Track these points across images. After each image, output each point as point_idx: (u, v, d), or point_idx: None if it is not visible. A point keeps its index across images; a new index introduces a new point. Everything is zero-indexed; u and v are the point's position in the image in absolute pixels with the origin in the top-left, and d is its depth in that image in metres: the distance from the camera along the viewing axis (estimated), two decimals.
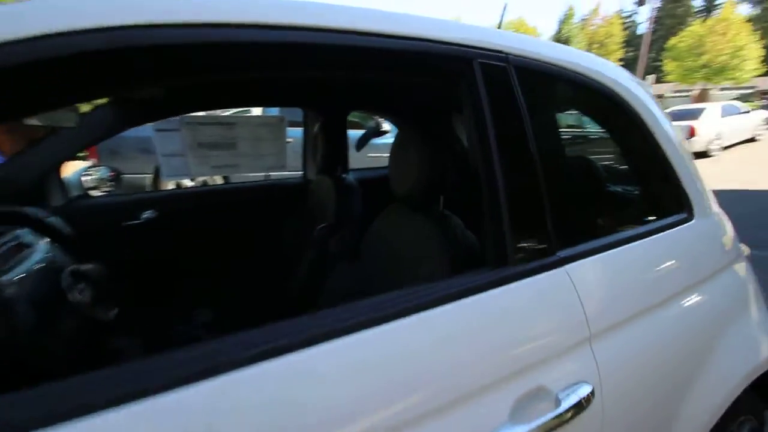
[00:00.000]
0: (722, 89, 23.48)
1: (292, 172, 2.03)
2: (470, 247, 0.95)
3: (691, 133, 9.05)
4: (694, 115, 9.79)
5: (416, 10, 0.82)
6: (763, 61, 22.60)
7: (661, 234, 0.97)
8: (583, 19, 35.15)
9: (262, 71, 0.87)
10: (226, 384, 0.48)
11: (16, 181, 1.32)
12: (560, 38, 31.95)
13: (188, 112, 1.54)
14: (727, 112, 10.48)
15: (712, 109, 10.20)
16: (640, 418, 0.85)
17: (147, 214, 1.62)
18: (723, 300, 1.06)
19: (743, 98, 18.42)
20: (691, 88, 24.32)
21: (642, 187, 1.22)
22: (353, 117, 2.41)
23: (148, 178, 4.47)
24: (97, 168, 2.17)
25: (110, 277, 0.84)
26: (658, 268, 0.94)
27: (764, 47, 22.74)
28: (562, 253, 0.79)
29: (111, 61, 0.50)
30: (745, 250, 1.24)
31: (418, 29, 0.71)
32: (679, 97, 23.58)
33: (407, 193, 1.01)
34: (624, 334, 0.82)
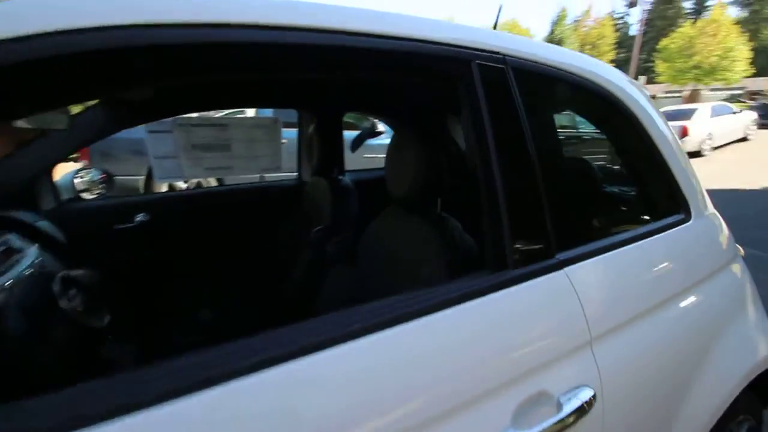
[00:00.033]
0: (712, 90, 23.79)
1: (286, 173, 2.01)
2: (468, 249, 0.94)
3: (684, 132, 9.16)
4: (686, 115, 9.90)
5: (409, 10, 0.81)
6: (751, 63, 22.93)
7: (660, 235, 0.97)
8: (575, 21, 35.45)
9: (257, 72, 0.86)
10: (224, 395, 0.47)
11: (4, 184, 1.29)
12: (553, 39, 32.22)
13: (181, 114, 1.52)
14: (717, 113, 10.61)
15: (703, 110, 10.32)
16: (641, 420, 0.85)
17: (140, 217, 1.60)
18: (721, 300, 1.06)
19: (732, 99, 18.67)
20: (682, 89, 24.61)
21: (639, 188, 1.22)
22: (348, 118, 2.40)
23: (140, 180, 4.42)
24: (88, 170, 2.13)
25: (102, 282, 0.82)
26: (657, 270, 0.94)
27: (752, 49, 23.07)
28: (562, 256, 0.79)
29: (105, 62, 0.49)
30: (740, 250, 1.25)
31: (416, 30, 0.70)
32: (670, 97, 23.86)
33: (404, 195, 1.00)
34: (624, 337, 0.81)
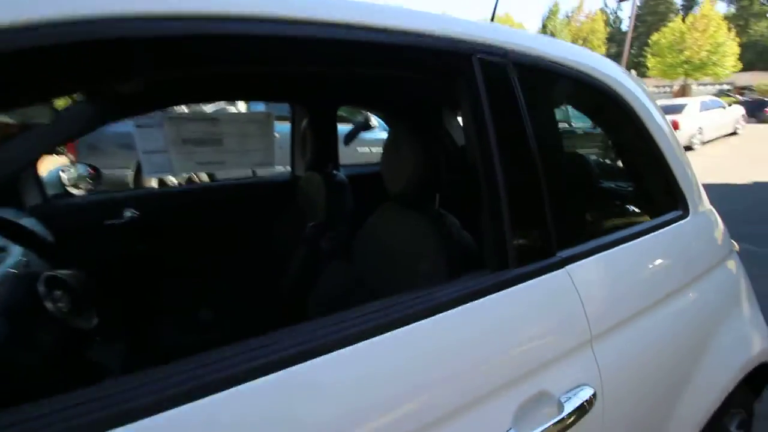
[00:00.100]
0: (701, 84, 24.06)
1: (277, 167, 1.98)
2: (467, 246, 0.93)
3: (674, 127, 9.23)
4: (677, 109, 10.00)
5: (405, 4, 0.78)
6: (739, 58, 23.20)
7: (659, 232, 0.96)
8: (567, 16, 35.53)
9: (250, 65, 0.83)
10: (219, 402, 0.45)
11: None
12: (545, 34, 32.23)
13: (171, 106, 1.48)
14: (707, 107, 10.73)
15: (693, 104, 10.43)
16: (640, 417, 0.85)
17: (129, 213, 1.56)
18: (718, 296, 1.07)
19: (721, 94, 18.90)
20: (672, 84, 24.83)
21: (637, 184, 1.22)
22: (340, 111, 2.37)
23: (129, 174, 4.35)
24: (76, 165, 2.08)
25: (90, 282, 0.79)
26: (656, 267, 0.94)
27: (740, 44, 23.35)
28: (563, 254, 0.78)
29: (94, 53, 0.46)
30: (735, 245, 1.25)
31: (417, 23, 0.68)
32: (660, 92, 24.08)
33: (401, 191, 0.98)
34: (624, 335, 0.81)
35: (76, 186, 1.92)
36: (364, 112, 4.02)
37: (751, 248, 3.31)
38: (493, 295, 0.67)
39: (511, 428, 0.63)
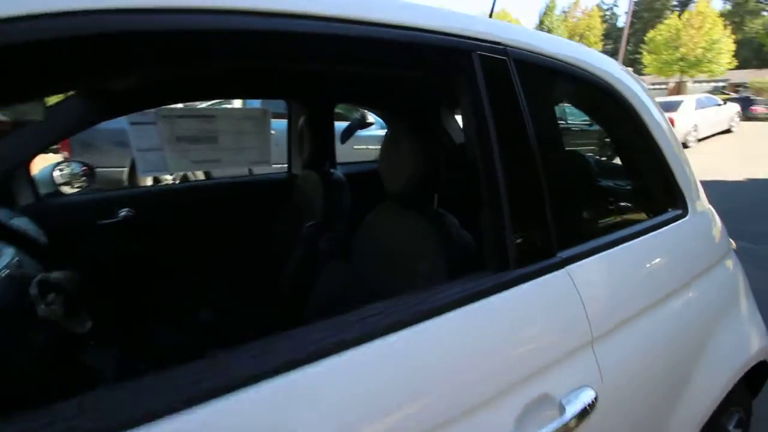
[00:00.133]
0: (696, 82, 24.13)
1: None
2: (466, 246, 0.92)
3: (671, 124, 9.26)
4: (672, 107, 10.01)
5: None
6: (734, 55, 23.28)
7: (659, 231, 0.96)
8: (564, 12, 35.51)
9: (246, 61, 0.81)
10: (214, 413, 0.44)
11: None
12: (541, 30, 32.24)
13: (167, 104, 1.46)
14: (702, 104, 10.75)
15: (689, 102, 10.45)
16: (641, 418, 0.84)
17: (124, 212, 1.54)
18: (717, 295, 1.06)
19: (716, 91, 18.98)
20: (667, 81, 24.90)
21: (636, 183, 1.21)
22: (337, 108, 2.35)
23: (124, 172, 4.30)
24: (69, 163, 2.05)
25: (84, 284, 0.77)
26: (657, 266, 0.93)
27: (735, 42, 23.42)
28: (563, 254, 0.77)
29: (89, 48, 0.44)
30: (732, 244, 1.25)
31: (416, 19, 0.66)
32: (655, 89, 24.14)
33: (400, 190, 0.97)
34: (625, 335, 0.80)
35: (69, 184, 1.89)
36: (360, 109, 3.99)
37: (748, 246, 3.32)
38: (494, 297, 0.66)
39: None
